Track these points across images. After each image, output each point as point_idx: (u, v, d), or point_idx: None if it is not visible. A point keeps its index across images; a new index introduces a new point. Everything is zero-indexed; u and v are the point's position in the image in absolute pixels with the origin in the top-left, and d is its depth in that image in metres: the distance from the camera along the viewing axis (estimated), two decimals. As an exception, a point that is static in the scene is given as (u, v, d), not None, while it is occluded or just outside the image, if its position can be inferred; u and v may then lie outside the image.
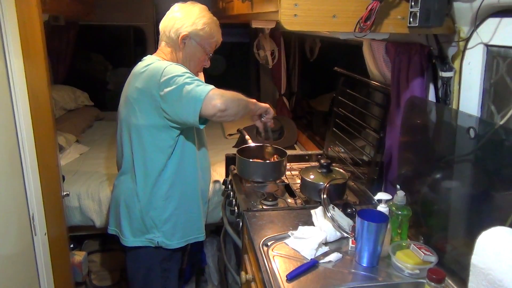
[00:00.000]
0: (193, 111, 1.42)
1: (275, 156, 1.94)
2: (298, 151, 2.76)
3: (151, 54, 1.66)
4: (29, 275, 1.61)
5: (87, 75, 4.02)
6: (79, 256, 2.17)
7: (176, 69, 1.48)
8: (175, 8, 1.63)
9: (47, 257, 1.71)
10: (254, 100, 1.64)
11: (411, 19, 1.09)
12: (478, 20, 1.08)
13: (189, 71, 1.51)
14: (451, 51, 1.22)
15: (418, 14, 1.05)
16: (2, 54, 1.45)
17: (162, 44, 1.64)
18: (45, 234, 1.68)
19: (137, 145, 1.57)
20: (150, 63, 1.55)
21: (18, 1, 1.48)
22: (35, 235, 1.62)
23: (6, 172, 1.46)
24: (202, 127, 1.50)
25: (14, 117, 1.51)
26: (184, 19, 1.58)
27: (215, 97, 1.41)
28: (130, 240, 1.64)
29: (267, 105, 1.69)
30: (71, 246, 1.98)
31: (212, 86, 1.45)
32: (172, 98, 1.45)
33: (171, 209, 1.61)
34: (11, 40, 1.47)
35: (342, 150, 2.02)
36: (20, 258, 1.55)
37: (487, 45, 1.09)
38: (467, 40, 1.14)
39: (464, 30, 1.15)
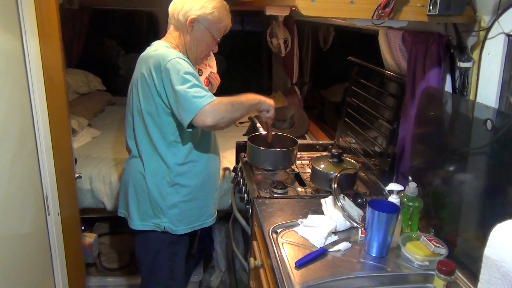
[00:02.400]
0: (185, 118, 1.44)
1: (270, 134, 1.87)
2: (309, 141, 2.75)
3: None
4: (42, 253, 1.65)
5: (99, 60, 4.04)
6: (90, 237, 2.21)
7: (181, 66, 1.45)
8: None
9: (60, 237, 1.74)
10: (257, 100, 1.61)
11: (431, 7, 1.07)
12: (500, 9, 1.05)
13: (192, 71, 1.48)
14: (470, 41, 1.20)
15: (438, 2, 1.03)
16: (19, 36, 1.46)
17: (171, 28, 1.63)
18: (58, 214, 1.71)
19: (142, 130, 1.58)
20: (156, 49, 1.54)
21: (34, -17, 1.49)
22: (49, 215, 1.65)
23: (22, 153, 1.48)
24: (188, 130, 1.50)
25: (30, 98, 1.53)
26: (193, 2, 1.56)
27: (207, 114, 1.41)
28: (137, 223, 1.66)
29: (271, 104, 1.65)
30: (82, 228, 2.01)
31: (209, 99, 1.42)
32: (170, 95, 1.46)
33: (178, 197, 1.62)
34: (28, 22, 1.47)
35: (354, 140, 2.00)
36: (34, 237, 1.58)
37: (508, 35, 1.06)
38: (487, 29, 1.11)
39: (485, 20, 1.12)
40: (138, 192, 1.64)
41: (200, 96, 1.42)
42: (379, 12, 1.06)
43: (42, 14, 1.53)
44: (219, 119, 1.44)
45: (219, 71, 1.92)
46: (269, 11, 1.93)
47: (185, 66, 1.47)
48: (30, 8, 1.49)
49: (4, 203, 1.33)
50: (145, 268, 1.76)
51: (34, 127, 1.56)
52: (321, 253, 1.24)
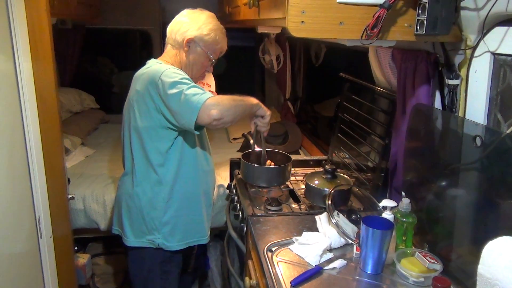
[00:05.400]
0: (189, 119, 1.45)
1: (269, 161, 1.89)
2: (302, 156, 2.76)
3: (156, 58, 1.68)
4: (34, 277, 1.62)
5: (93, 78, 4.04)
6: (83, 258, 2.18)
7: (175, 74, 1.49)
8: (184, 13, 1.66)
9: (52, 259, 1.72)
10: (256, 101, 1.61)
11: (418, 27, 1.09)
12: (485, 28, 1.08)
13: (187, 76, 1.52)
14: (457, 59, 1.22)
15: (425, 22, 1.06)
16: (11, 57, 1.46)
17: (168, 47, 1.67)
18: (50, 237, 1.69)
19: (137, 147, 1.59)
20: (149, 66, 1.59)
21: (27, 5, 1.50)
22: (41, 237, 1.62)
23: (14, 175, 1.47)
24: (197, 133, 1.52)
25: (23, 119, 1.53)
26: (191, 24, 1.61)
27: (211, 107, 1.43)
28: (131, 240, 1.66)
29: (268, 111, 1.65)
30: (75, 248, 1.99)
31: (209, 95, 1.46)
32: (169, 103, 1.47)
33: (172, 211, 1.62)
34: (21, 43, 1.48)
35: (347, 155, 2.01)
36: (26, 260, 1.55)
37: (494, 54, 1.09)
38: (474, 48, 1.14)
39: (471, 38, 1.15)
40: (132, 209, 1.64)
41: (200, 93, 1.45)
42: (368, 32, 1.08)
43: (35, 35, 1.54)
44: (224, 111, 1.44)
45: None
46: (261, 30, 1.96)
47: (179, 73, 1.51)
48: (22, 29, 1.50)
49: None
50: (138, 286, 1.74)
51: (26, 148, 1.55)
52: (317, 271, 1.23)
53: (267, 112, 1.65)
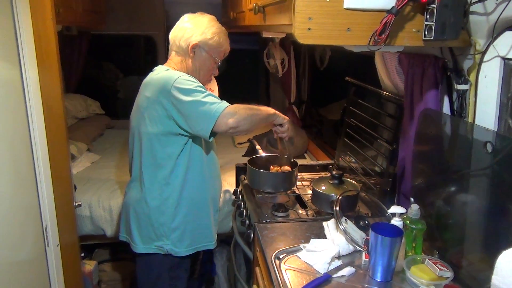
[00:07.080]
0: (205, 127, 1.46)
1: (278, 166, 1.91)
2: (308, 161, 2.75)
3: (161, 63, 1.68)
4: (41, 285, 1.62)
5: (98, 84, 4.06)
6: (89, 265, 2.18)
7: (189, 81, 1.50)
8: (185, 19, 1.66)
9: (59, 267, 1.71)
10: (273, 111, 1.64)
11: (426, 32, 1.08)
12: (495, 33, 1.06)
13: (201, 84, 1.54)
14: (466, 64, 1.21)
15: (433, 27, 1.05)
16: (18, 65, 1.47)
17: (172, 54, 1.67)
18: (57, 245, 1.69)
19: (146, 153, 1.59)
20: (158, 73, 1.59)
21: (33, 14, 1.50)
22: (48, 246, 1.62)
23: (21, 183, 1.47)
24: (210, 139, 1.53)
25: (29, 126, 1.53)
26: (194, 29, 1.61)
27: (229, 116, 1.46)
28: (140, 247, 1.66)
29: (285, 118, 1.68)
30: (82, 255, 1.98)
31: (226, 104, 1.48)
32: (185, 111, 1.48)
33: (180, 217, 1.62)
34: (27, 51, 1.49)
35: (354, 160, 2.00)
36: (33, 269, 1.55)
37: (504, 59, 1.08)
38: (483, 53, 1.12)
39: (480, 43, 1.13)
40: (140, 216, 1.64)
41: (217, 102, 1.48)
42: (375, 38, 1.07)
43: (41, 43, 1.55)
44: (241, 120, 1.47)
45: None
46: (266, 34, 1.96)
47: (193, 80, 1.53)
48: (28, 37, 1.50)
49: (2, 236, 1.31)
50: (146, 293, 1.74)
51: (32, 155, 1.55)
52: (325, 279, 1.21)
53: (284, 119, 1.68)
